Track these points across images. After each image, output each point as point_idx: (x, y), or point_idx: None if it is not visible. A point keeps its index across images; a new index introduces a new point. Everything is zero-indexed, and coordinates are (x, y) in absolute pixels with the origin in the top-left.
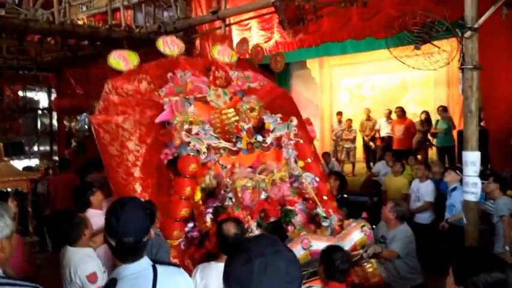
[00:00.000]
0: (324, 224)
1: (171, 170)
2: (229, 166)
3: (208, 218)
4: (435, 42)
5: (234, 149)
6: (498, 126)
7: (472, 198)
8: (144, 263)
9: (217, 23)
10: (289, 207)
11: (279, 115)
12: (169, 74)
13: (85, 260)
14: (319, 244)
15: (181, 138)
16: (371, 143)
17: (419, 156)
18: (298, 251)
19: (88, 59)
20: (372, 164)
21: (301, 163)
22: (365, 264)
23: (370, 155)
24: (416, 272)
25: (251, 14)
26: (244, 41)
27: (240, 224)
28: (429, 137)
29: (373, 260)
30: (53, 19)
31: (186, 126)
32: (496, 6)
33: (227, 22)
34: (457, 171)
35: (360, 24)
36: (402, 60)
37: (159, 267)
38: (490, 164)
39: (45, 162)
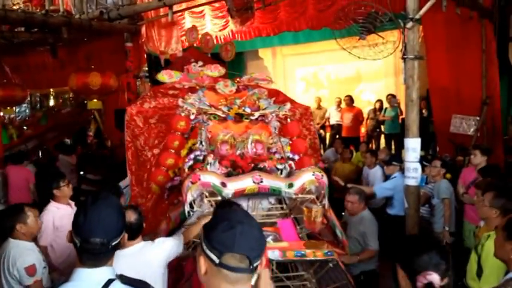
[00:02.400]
0: (279, 166)
1: None
2: (211, 124)
3: (187, 166)
4: (381, 34)
5: (223, 116)
6: (441, 114)
7: (412, 182)
8: (103, 273)
9: (166, 10)
10: (261, 165)
11: (273, 98)
12: (186, 66)
13: (25, 253)
14: (269, 181)
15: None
16: (321, 131)
17: (372, 144)
18: (248, 182)
19: (25, 46)
20: (322, 151)
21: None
22: (312, 207)
23: (320, 143)
24: (372, 259)
25: (202, 1)
26: (193, 29)
27: (137, 209)
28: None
29: (320, 207)
30: None
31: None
32: None
33: (177, 9)
34: (394, 163)
35: (316, 14)
36: (349, 50)
37: (115, 284)
38: (431, 149)
39: None
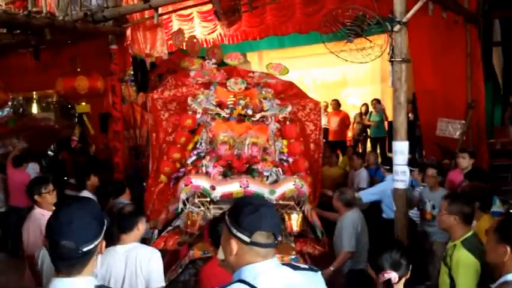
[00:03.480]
0: (265, 173)
1: None
2: (213, 124)
3: (190, 161)
4: (368, 38)
5: (226, 116)
6: (427, 118)
7: (401, 186)
8: (81, 284)
9: (151, 13)
10: (254, 167)
11: (277, 101)
12: (201, 61)
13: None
14: (255, 187)
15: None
16: None
17: (358, 148)
18: (235, 186)
19: (7, 49)
20: None
21: (285, 142)
22: (292, 213)
23: None
24: (360, 258)
25: (190, 3)
26: (179, 32)
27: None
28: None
29: (299, 212)
30: None
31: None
32: (423, 1)
33: (164, 11)
34: (385, 167)
35: (303, 19)
36: (336, 54)
37: None
38: (417, 153)
39: None
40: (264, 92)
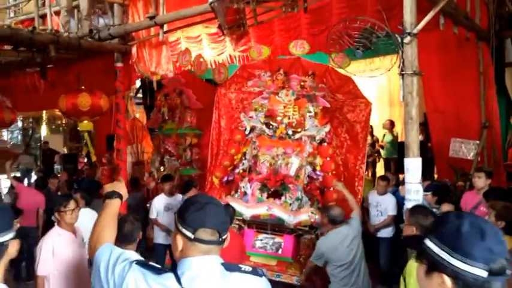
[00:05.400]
0: (288, 200)
1: None
2: (258, 143)
3: (237, 171)
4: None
5: (270, 134)
6: (439, 138)
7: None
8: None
9: (157, 30)
10: (287, 184)
11: (317, 121)
12: (258, 72)
13: None
14: (278, 211)
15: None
16: None
17: (368, 171)
18: (263, 209)
19: (14, 67)
20: None
21: (320, 160)
22: (305, 236)
23: None
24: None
25: (196, 20)
26: (186, 52)
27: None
28: (379, 148)
29: (312, 236)
30: None
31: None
32: (434, 11)
33: (170, 29)
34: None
35: (309, 39)
36: (343, 67)
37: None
38: (428, 175)
39: None
40: (310, 106)
